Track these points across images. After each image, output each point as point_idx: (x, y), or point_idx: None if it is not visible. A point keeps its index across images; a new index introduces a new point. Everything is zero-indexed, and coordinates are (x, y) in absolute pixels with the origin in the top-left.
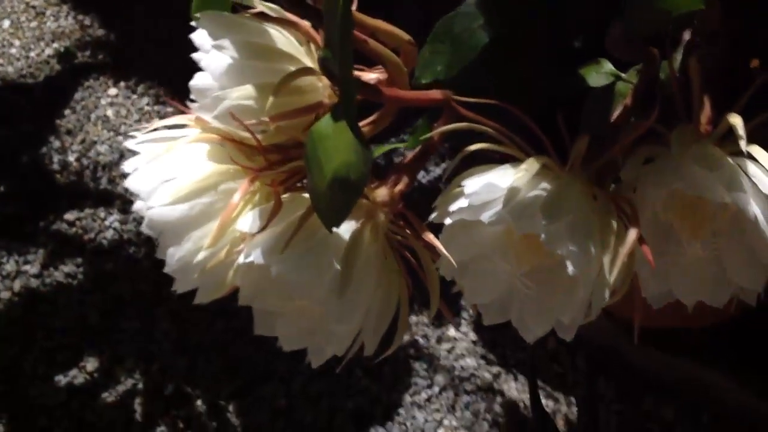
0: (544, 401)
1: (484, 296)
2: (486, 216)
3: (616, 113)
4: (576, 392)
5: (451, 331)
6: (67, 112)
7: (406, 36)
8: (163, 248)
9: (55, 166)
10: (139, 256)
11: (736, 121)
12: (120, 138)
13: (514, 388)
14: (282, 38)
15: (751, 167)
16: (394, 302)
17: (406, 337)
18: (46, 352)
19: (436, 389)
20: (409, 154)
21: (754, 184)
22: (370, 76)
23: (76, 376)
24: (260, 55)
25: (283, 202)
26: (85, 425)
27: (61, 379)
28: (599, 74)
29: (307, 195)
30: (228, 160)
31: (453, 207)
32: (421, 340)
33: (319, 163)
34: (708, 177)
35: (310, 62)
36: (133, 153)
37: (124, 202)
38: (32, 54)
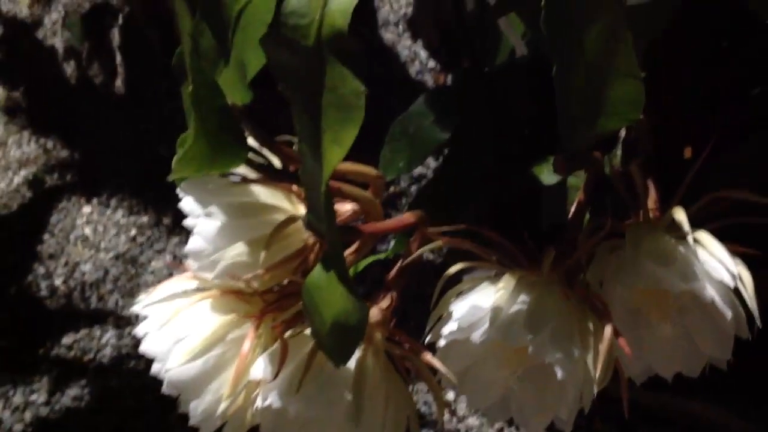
0: None
1: (484, 401)
2: (476, 336)
3: (572, 208)
4: None
5: (451, 394)
6: (46, 236)
7: (373, 171)
8: (185, 403)
9: (44, 293)
10: (140, 368)
11: (681, 217)
12: (101, 255)
13: None
14: (262, 190)
15: (701, 254)
16: (404, 415)
17: None
18: None
19: None
20: (392, 272)
21: (706, 270)
22: (346, 207)
23: None
24: (247, 213)
25: (288, 342)
26: None
27: None
28: (550, 172)
29: (308, 331)
30: (231, 309)
31: (445, 330)
32: (423, 407)
33: (318, 312)
34: (664, 272)
35: (289, 206)
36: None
37: (116, 318)
38: (2, 185)
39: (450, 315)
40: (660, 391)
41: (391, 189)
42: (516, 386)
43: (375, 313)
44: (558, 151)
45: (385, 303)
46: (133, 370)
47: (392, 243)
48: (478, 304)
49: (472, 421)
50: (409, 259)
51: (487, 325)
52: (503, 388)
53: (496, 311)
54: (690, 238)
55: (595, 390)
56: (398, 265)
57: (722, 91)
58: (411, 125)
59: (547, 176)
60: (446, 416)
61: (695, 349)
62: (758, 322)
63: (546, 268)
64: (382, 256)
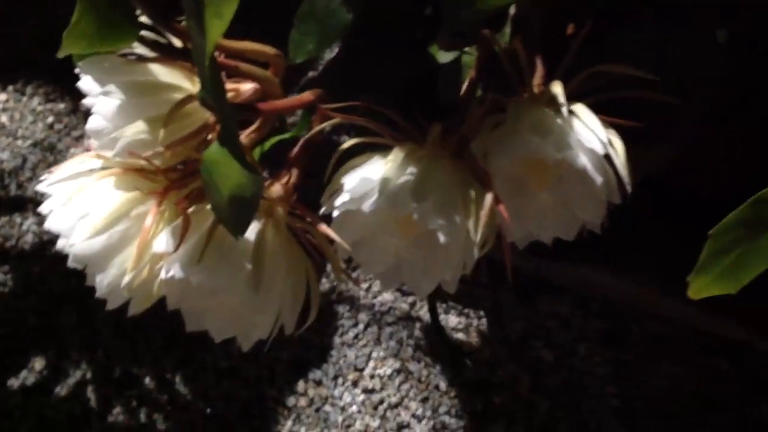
0: (456, 319)
1: (378, 267)
2: (366, 206)
3: (465, 85)
4: (483, 305)
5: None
6: None
7: (272, 50)
8: (91, 276)
9: None
10: (62, 255)
11: (557, 90)
12: (19, 142)
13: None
14: (162, 70)
15: (576, 124)
16: (304, 283)
17: (327, 285)
18: None
19: (361, 327)
20: (294, 149)
21: (579, 139)
22: (247, 86)
23: (27, 377)
24: (145, 92)
25: (190, 216)
26: (47, 420)
27: (14, 383)
28: (446, 51)
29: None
30: (134, 186)
31: (337, 202)
32: (342, 285)
33: (216, 186)
34: (540, 142)
35: (189, 85)
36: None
37: (36, 205)
38: None
39: (342, 187)
40: (554, 260)
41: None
42: (406, 253)
43: (277, 189)
44: (441, 29)
45: (287, 179)
46: (55, 256)
47: None
48: (368, 176)
49: (387, 296)
50: (308, 135)
51: (376, 195)
52: (395, 256)
53: (384, 182)
54: (564, 110)
55: (476, 253)
56: (300, 142)
57: None
58: (318, 6)
59: (443, 54)
60: (362, 292)
61: (571, 214)
62: (628, 187)
63: (431, 141)
64: (287, 135)
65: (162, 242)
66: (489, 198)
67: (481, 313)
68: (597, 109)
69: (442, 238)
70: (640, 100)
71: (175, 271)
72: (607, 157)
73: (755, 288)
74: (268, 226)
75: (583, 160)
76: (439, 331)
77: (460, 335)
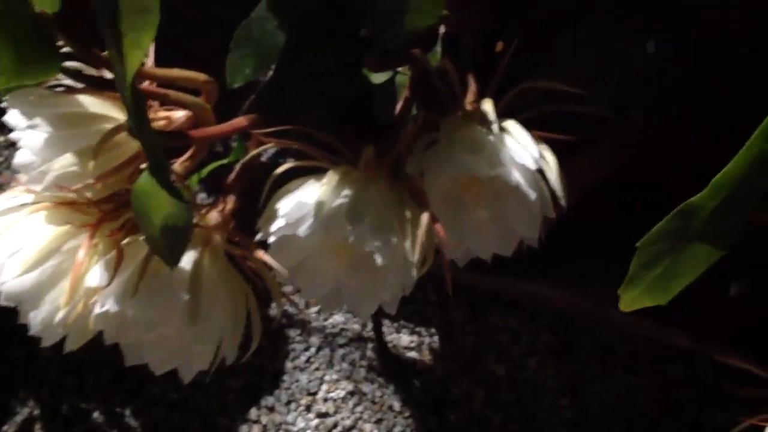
0: (409, 338)
1: (317, 292)
2: (301, 231)
3: (399, 105)
4: (433, 323)
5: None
6: None
7: (202, 77)
8: (25, 314)
9: None
10: None
11: (487, 107)
12: None
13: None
14: (91, 100)
15: (508, 141)
16: (244, 311)
17: (277, 309)
18: None
19: (313, 350)
20: (231, 175)
21: (511, 156)
22: (179, 114)
23: None
24: (73, 123)
25: (124, 248)
26: None
27: None
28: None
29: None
30: (65, 220)
31: (273, 227)
32: (290, 309)
33: (147, 216)
34: (472, 160)
35: (119, 115)
36: None
37: None
38: None
39: (277, 212)
40: (503, 276)
41: None
42: (345, 276)
43: (214, 216)
44: (368, 50)
45: (224, 206)
46: None
47: None
48: (303, 200)
49: (338, 318)
50: (243, 161)
51: (311, 219)
52: (334, 279)
53: (319, 206)
54: (495, 127)
55: (415, 274)
56: (237, 168)
57: None
58: (255, 30)
59: (377, 76)
60: (312, 315)
61: (508, 230)
62: (562, 201)
63: (364, 163)
64: (225, 161)
65: (95, 276)
66: (425, 217)
67: (433, 330)
68: (534, 123)
69: (379, 259)
70: (577, 112)
71: (110, 304)
72: (542, 172)
73: (693, 296)
74: (205, 255)
75: (516, 176)
76: (384, 351)
77: (412, 354)
